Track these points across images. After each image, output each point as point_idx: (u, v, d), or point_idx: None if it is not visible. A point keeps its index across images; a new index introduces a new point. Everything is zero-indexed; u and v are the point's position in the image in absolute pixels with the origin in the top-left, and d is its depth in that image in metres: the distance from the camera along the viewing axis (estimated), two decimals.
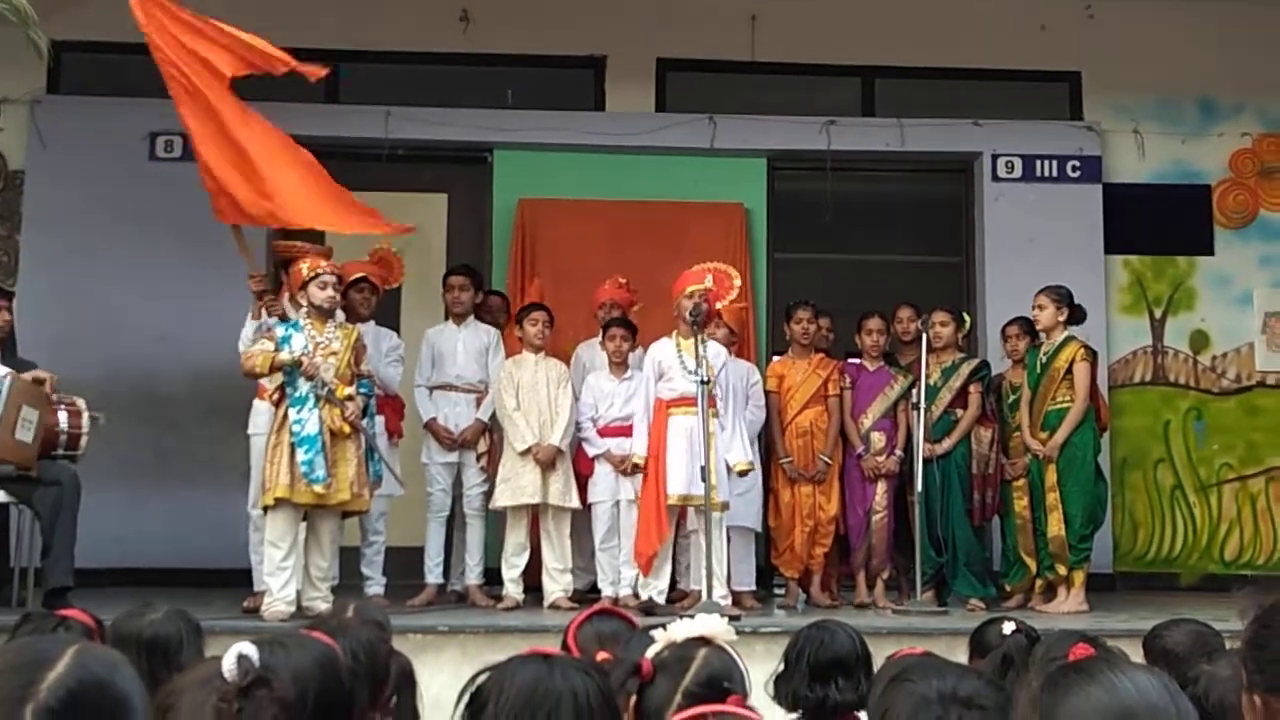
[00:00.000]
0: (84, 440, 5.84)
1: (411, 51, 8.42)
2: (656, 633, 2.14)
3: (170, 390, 7.72)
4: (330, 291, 5.83)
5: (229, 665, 1.67)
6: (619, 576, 6.39)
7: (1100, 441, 6.81)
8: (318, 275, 5.81)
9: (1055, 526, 6.48)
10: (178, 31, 5.80)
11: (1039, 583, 6.65)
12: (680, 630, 2.12)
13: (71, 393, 5.97)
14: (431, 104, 8.13)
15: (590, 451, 6.53)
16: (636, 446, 6.27)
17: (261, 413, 6.16)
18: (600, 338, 6.73)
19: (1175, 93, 8.63)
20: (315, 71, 6.02)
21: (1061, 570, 6.48)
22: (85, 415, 5.76)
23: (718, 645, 2.10)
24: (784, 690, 2.92)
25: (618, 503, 6.46)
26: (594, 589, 6.55)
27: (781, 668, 2.95)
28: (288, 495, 5.57)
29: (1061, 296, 6.64)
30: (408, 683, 2.49)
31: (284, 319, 5.90)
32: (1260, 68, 8.42)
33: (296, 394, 5.65)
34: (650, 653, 2.08)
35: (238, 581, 6.39)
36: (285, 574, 5.64)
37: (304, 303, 5.86)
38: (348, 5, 8.18)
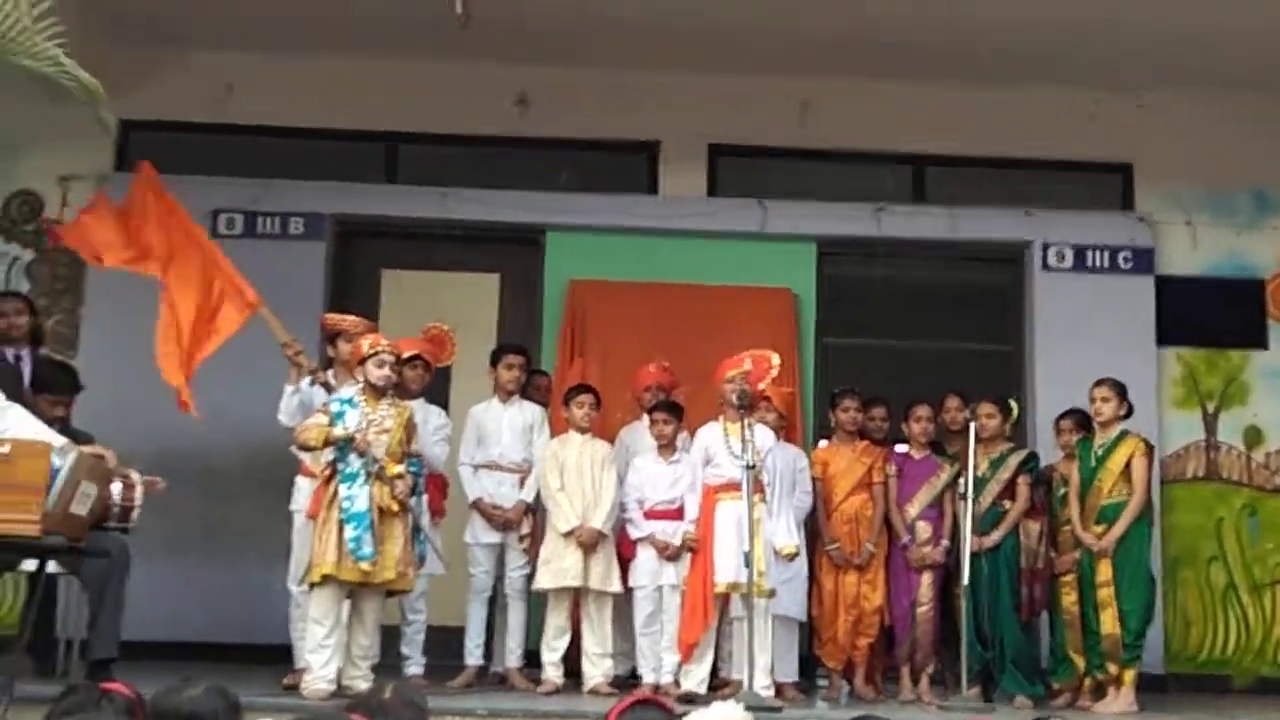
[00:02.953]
0: (136, 513, 5.88)
1: (468, 134, 8.57)
2: None
3: (221, 464, 7.78)
4: (387, 370, 5.90)
5: None
6: (660, 663, 6.32)
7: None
8: (376, 353, 5.88)
9: (1110, 624, 6.30)
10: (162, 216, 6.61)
11: (1088, 681, 6.51)
12: None
13: (125, 464, 6.03)
14: (487, 185, 8.28)
15: (634, 534, 6.48)
16: (688, 526, 6.25)
17: (303, 489, 6.21)
18: (646, 421, 6.72)
19: (1228, 184, 8.58)
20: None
21: (1112, 669, 6.31)
22: (139, 489, 5.81)
23: None
24: None
25: (660, 588, 6.39)
26: (634, 674, 6.50)
27: None
28: (334, 572, 5.58)
29: (1123, 389, 6.58)
30: None
31: (328, 386, 5.97)
32: None
33: (347, 470, 5.69)
34: None
35: (280, 657, 6.40)
36: (327, 652, 5.64)
37: (360, 379, 5.93)
38: (407, 88, 8.34)
